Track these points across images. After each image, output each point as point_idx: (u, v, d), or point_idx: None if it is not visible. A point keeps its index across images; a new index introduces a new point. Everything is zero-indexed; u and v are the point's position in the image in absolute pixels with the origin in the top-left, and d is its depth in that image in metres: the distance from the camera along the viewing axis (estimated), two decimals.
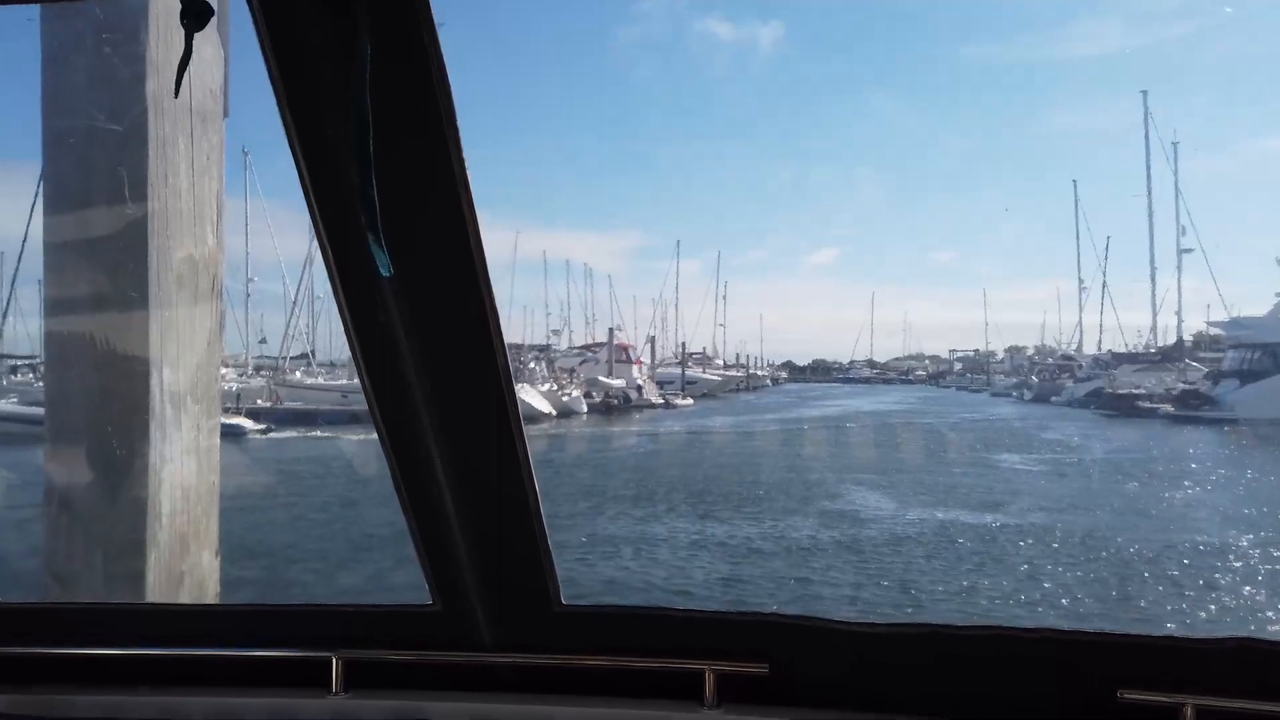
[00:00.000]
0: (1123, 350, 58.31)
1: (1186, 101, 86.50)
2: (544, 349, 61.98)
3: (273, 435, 33.13)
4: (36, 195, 2.97)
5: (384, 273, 1.55)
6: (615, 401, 50.92)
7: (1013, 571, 14.39)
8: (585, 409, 47.56)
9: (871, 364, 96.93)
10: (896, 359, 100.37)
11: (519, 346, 54.93)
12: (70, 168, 2.74)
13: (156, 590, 2.75)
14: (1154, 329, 58.36)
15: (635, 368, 59.37)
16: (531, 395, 40.90)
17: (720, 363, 79.46)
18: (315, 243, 1.77)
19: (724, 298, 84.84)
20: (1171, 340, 56.09)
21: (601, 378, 53.69)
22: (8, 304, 33.56)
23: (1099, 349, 62.25)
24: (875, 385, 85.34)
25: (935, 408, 55.20)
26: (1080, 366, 59.77)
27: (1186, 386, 46.88)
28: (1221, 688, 1.69)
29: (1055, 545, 16.11)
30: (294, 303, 50.59)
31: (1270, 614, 12.41)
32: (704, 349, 79.97)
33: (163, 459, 2.76)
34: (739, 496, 21.29)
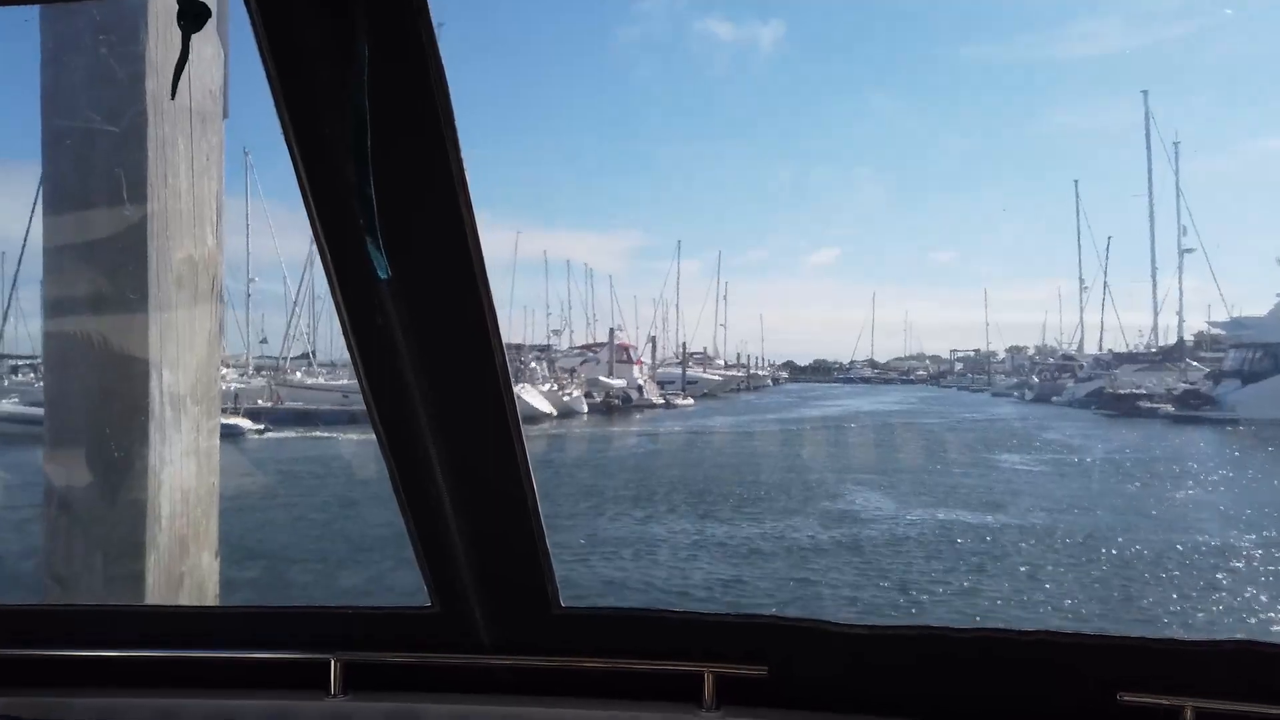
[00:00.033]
0: (1124, 350, 58.32)
1: (1186, 101, 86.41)
2: (545, 349, 61.97)
3: (274, 435, 33.11)
4: (37, 196, 2.96)
5: (381, 275, 1.55)
6: (616, 401, 50.90)
7: (1013, 572, 14.38)
8: (586, 409, 47.54)
9: (872, 364, 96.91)
10: (897, 359, 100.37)
11: (520, 346, 54.90)
12: (69, 168, 2.73)
13: (156, 592, 2.74)
14: (1155, 329, 58.35)
15: (636, 368, 59.33)
16: (532, 395, 40.89)
17: (721, 363, 79.45)
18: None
19: (724, 298, 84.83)
20: (1172, 340, 56.08)
21: (602, 378, 53.67)
22: (9, 304, 33.60)
23: (1100, 349, 62.27)
24: (876, 385, 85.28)
25: (936, 408, 55.17)
26: (1081, 366, 59.75)
27: (1188, 387, 46.87)
28: (1221, 690, 1.69)
29: (1056, 546, 16.11)
30: (295, 303, 50.63)
31: (1272, 615, 12.40)
32: (705, 349, 79.99)
33: (162, 460, 2.75)
34: (739, 497, 21.28)
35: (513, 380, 1.85)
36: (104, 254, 2.72)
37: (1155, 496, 21.82)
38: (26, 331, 35.33)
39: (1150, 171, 55.34)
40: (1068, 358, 63.75)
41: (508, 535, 1.95)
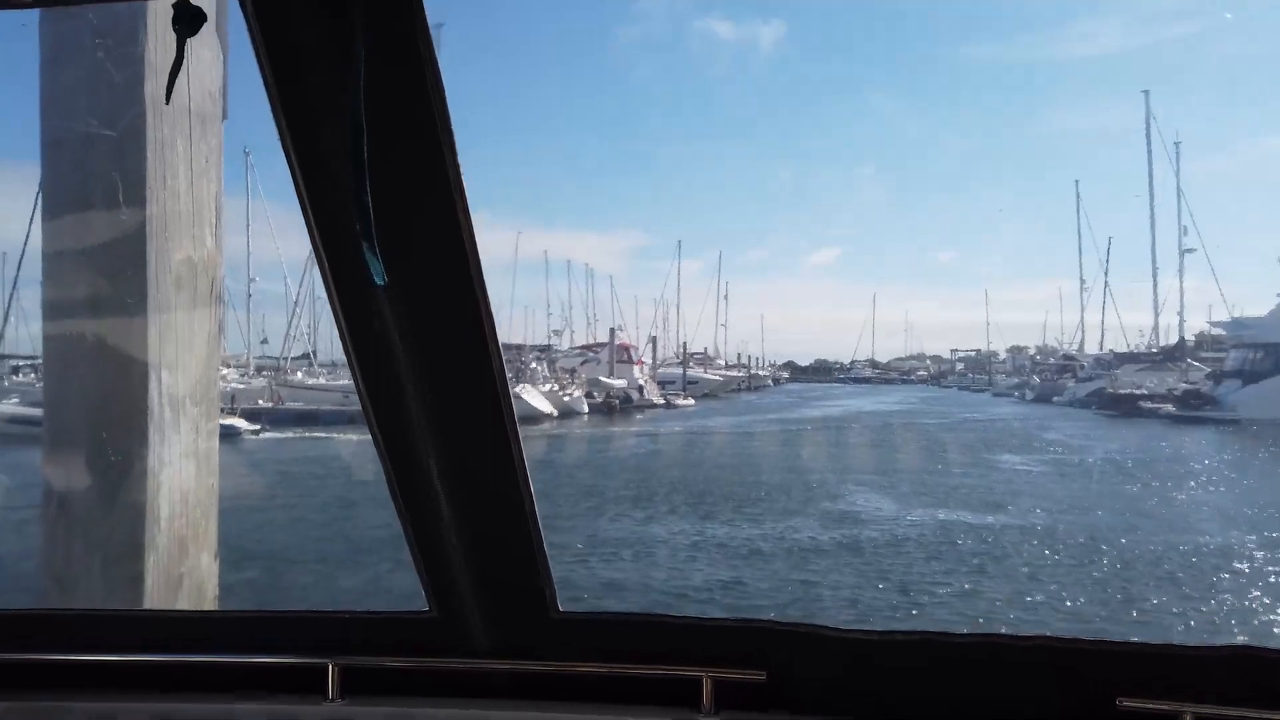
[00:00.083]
0: (1125, 350, 58.38)
1: (1187, 101, 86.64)
2: (545, 349, 62.05)
3: (274, 435, 33.13)
4: (37, 198, 2.95)
5: (378, 281, 1.54)
6: (616, 402, 50.93)
7: (1014, 573, 14.38)
8: (586, 409, 47.57)
9: (873, 364, 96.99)
10: (898, 359, 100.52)
11: (520, 347, 54.95)
12: (69, 170, 2.73)
13: (155, 593, 2.74)
14: (1156, 329, 58.44)
15: (637, 368, 59.38)
16: (533, 395, 40.90)
17: (722, 363, 79.55)
18: None
19: (725, 298, 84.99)
20: (1173, 340, 56.19)
21: (603, 378, 53.73)
22: (9, 305, 33.62)
23: (1101, 349, 62.37)
24: (877, 385, 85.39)
25: (937, 408, 55.21)
26: (1082, 366, 59.82)
27: (1188, 386, 46.94)
28: (1221, 695, 1.68)
29: (1057, 546, 16.10)
30: (295, 303, 50.73)
31: (1273, 616, 12.39)
32: (705, 349, 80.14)
33: (162, 462, 2.75)
34: (740, 497, 21.28)
35: (513, 381, 1.84)
36: (103, 256, 2.71)
37: (1156, 497, 21.83)
38: (27, 332, 35.36)
39: (1151, 171, 55.54)
40: (1069, 358, 63.80)
41: (505, 540, 1.95)
